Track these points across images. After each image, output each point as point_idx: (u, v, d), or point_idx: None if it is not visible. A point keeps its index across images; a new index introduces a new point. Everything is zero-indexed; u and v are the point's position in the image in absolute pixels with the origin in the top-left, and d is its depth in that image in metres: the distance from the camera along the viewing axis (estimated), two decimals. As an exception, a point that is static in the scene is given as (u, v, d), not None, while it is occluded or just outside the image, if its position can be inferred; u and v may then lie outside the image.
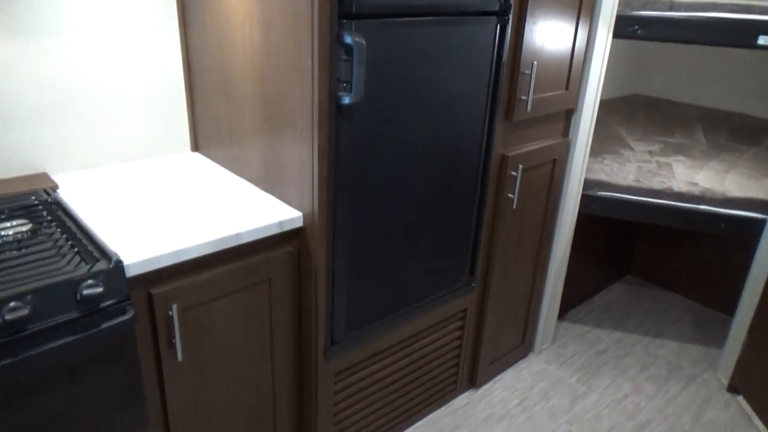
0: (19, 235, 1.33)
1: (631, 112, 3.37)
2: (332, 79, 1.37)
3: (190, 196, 1.60)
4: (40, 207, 1.44)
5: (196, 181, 1.71)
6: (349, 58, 1.36)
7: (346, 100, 1.39)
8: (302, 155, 1.46)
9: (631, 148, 2.77)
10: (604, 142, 2.83)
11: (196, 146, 1.97)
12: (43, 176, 1.66)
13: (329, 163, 1.45)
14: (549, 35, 1.87)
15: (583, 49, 2.03)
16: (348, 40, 1.33)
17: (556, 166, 2.17)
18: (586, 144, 2.24)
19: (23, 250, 1.26)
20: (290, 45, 1.39)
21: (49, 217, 1.40)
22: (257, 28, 1.49)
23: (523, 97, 1.87)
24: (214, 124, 1.82)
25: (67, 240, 1.30)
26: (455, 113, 1.69)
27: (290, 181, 1.54)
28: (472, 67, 1.68)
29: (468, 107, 1.72)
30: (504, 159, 1.95)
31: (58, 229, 1.35)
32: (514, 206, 2.02)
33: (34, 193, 1.54)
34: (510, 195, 2.01)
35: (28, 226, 1.37)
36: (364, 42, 1.34)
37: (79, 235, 1.34)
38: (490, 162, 1.88)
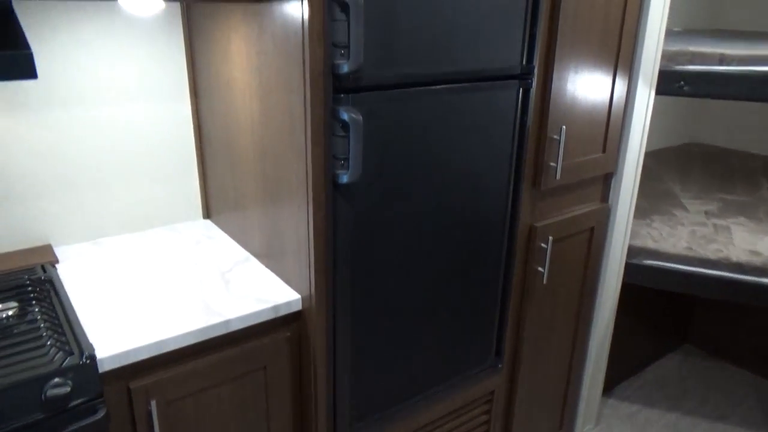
0: (3, 321, 1.27)
1: (686, 164, 3.13)
2: (327, 156, 1.27)
3: (188, 272, 1.52)
4: (30, 288, 1.39)
5: (198, 253, 1.63)
6: (346, 134, 1.25)
7: (344, 179, 1.28)
8: (299, 234, 1.36)
9: (684, 208, 2.53)
10: (654, 200, 2.61)
11: (208, 213, 1.90)
12: (47, 249, 1.62)
13: (326, 244, 1.33)
14: (581, 95, 1.71)
15: (622, 108, 1.86)
16: (344, 116, 1.23)
17: (594, 234, 1.98)
18: (628, 210, 2.04)
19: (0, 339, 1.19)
20: (285, 118, 1.31)
21: (37, 300, 1.34)
22: (256, 100, 1.42)
23: (552, 164, 1.71)
24: (223, 193, 1.75)
25: (48, 328, 1.23)
26: (474, 183, 1.56)
27: (289, 259, 1.43)
28: (492, 134, 1.54)
29: (489, 176, 1.58)
30: (532, 230, 1.78)
31: (43, 315, 1.28)
32: (545, 281, 1.84)
33: (31, 269, 1.50)
34: (540, 268, 1.83)
35: (14, 309, 1.31)
36: (360, 118, 1.23)
37: (62, 320, 1.27)
38: (515, 233, 1.72)
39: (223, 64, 1.54)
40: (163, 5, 1.63)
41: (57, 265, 1.56)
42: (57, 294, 1.39)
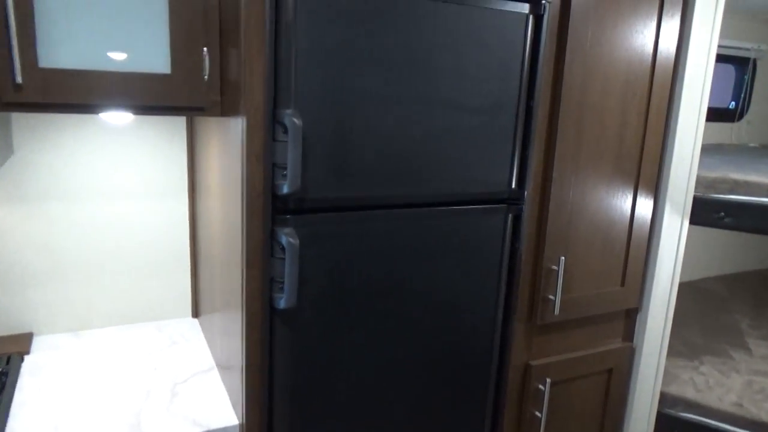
0: (-63, 415, 1.26)
1: (764, 294, 2.74)
2: (264, 278, 1.19)
3: (144, 379, 1.46)
4: (-21, 380, 1.38)
5: (167, 357, 1.58)
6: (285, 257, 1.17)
7: (281, 304, 1.18)
8: (238, 356, 1.26)
9: (746, 349, 2.17)
10: (711, 336, 2.27)
11: (196, 313, 1.86)
12: (25, 338, 1.63)
13: (260, 372, 1.23)
14: (589, 223, 1.54)
15: (645, 237, 1.65)
16: (281, 239, 1.15)
17: (613, 377, 1.72)
18: (658, 351, 1.77)
19: None
20: (232, 233, 1.25)
21: (-23, 395, 1.32)
22: (220, 207, 1.38)
23: (550, 297, 1.52)
24: (207, 294, 1.71)
25: (-32, 430, 1.20)
26: (454, 315, 1.40)
27: (234, 381, 1.33)
28: (476, 262, 1.40)
29: (472, 308, 1.42)
30: (528, 369, 1.57)
31: (-27, 414, 1.26)
32: (542, 429, 1.59)
33: (-5, 359, 1.51)
34: (537, 413, 1.60)
35: (-44, 403, 1.30)
36: (296, 242, 1.15)
37: (-11, 423, 1.24)
38: (506, 372, 1.52)
39: (207, 167, 1.54)
40: (132, 117, 1.66)
41: (26, 356, 1.57)
42: (3, 389, 1.37)
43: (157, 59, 1.24)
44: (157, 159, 1.71)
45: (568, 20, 1.37)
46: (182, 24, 1.22)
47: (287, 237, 1.14)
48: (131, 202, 1.71)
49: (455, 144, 1.31)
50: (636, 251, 1.65)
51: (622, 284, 1.66)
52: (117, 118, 1.62)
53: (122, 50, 1.21)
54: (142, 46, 1.22)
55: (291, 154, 1.10)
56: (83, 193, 1.64)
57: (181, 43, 1.23)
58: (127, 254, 1.74)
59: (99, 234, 1.69)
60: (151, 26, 1.22)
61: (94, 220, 1.68)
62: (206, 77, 1.27)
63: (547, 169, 1.46)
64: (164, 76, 1.24)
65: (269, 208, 1.16)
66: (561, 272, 1.49)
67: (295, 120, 1.09)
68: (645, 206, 1.62)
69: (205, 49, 1.26)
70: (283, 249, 1.17)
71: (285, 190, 1.13)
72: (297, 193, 1.15)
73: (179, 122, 1.73)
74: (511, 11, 1.30)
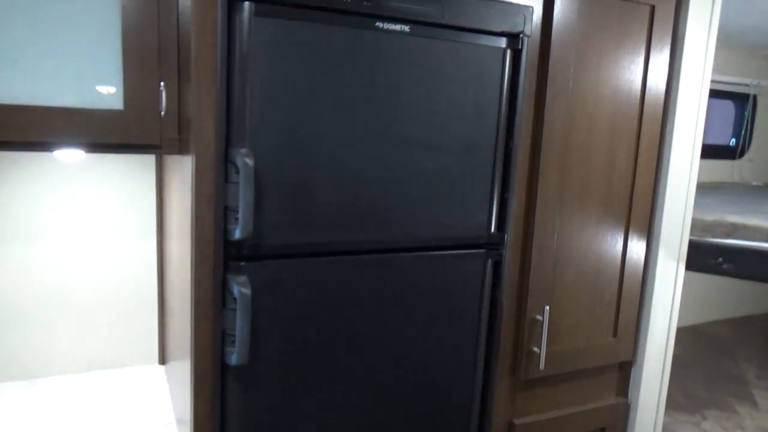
0: None
1: (770, 343, 2.60)
2: (215, 332, 1.09)
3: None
4: None
5: (118, 410, 1.47)
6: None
7: (232, 359, 1.08)
8: (188, 414, 1.16)
9: (753, 402, 2.03)
10: (715, 388, 2.13)
11: (163, 360, 1.76)
12: (-25, 386, 1.53)
13: (211, 434, 1.12)
14: (576, 269, 1.44)
15: (638, 285, 1.55)
16: (234, 289, 1.06)
17: (606, 436, 1.60)
18: (656, 407, 1.64)
19: None
20: (185, 280, 1.16)
21: None
22: (176, 248, 1.30)
23: (535, 350, 1.41)
24: (172, 340, 1.61)
25: None
26: (429, 369, 1.29)
27: (186, 441, 1.22)
28: (451, 311, 1.30)
29: (448, 362, 1.32)
30: (512, 428, 1.45)
31: None
32: (528, 494, 1.46)
33: (-63, 412, 1.40)
34: (523, 476, 1.47)
35: None
36: (248, 292, 1.05)
37: None
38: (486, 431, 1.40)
39: (170, 207, 1.46)
40: (84, 155, 1.58)
41: (-28, 408, 1.46)
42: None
43: (109, 95, 1.17)
44: (124, 197, 1.63)
45: (549, 55, 1.30)
46: (136, 58, 1.16)
47: (239, 286, 1.05)
48: (96, 242, 1.62)
49: (427, 186, 1.22)
50: (628, 300, 1.54)
51: (614, 335, 1.55)
52: (71, 156, 1.54)
53: (72, 85, 1.14)
54: (93, 81, 1.15)
55: (243, 197, 1.02)
56: (43, 234, 1.56)
57: (135, 78, 1.16)
58: (90, 297, 1.65)
59: (60, 276, 1.60)
60: (103, 60, 1.16)
61: (55, 263, 1.59)
62: (163, 113, 1.20)
63: (529, 212, 1.37)
64: (117, 112, 1.17)
65: (221, 255, 1.07)
66: (546, 323, 1.38)
67: (247, 160, 1.01)
68: (637, 251, 1.52)
69: (162, 84, 1.19)
70: (235, 299, 1.07)
71: (237, 235, 1.04)
72: (251, 238, 1.06)
73: (149, 158, 1.65)
74: (486, 45, 1.23)
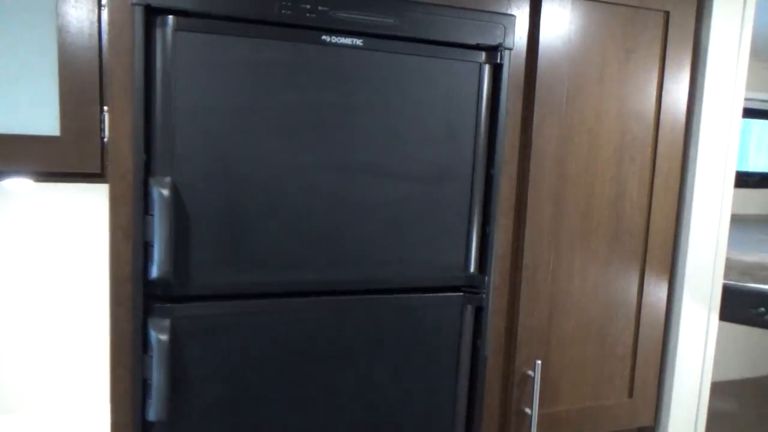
0: None
1: None
2: (135, 382, 0.97)
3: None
4: None
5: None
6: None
7: (150, 415, 0.96)
8: (114, 475, 1.04)
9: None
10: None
11: (142, 399, 1.65)
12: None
13: (130, 499, 0.99)
14: (580, 313, 1.24)
15: (659, 336, 1.32)
16: (151, 336, 0.94)
17: None
18: (686, 482, 1.39)
19: None
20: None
21: None
22: (125, 291, 1.20)
23: (526, 411, 1.21)
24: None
25: None
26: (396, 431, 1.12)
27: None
28: (423, 364, 1.13)
29: (420, 425, 1.14)
30: (501, 501, 1.24)
31: None
32: None
33: None
34: None
35: None
36: (166, 338, 0.93)
37: None
38: (469, 505, 1.20)
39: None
40: (34, 185, 1.51)
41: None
42: None
43: (45, 120, 1.10)
44: (77, 227, 1.55)
45: (536, 70, 1.13)
46: (73, 83, 1.08)
47: (156, 331, 0.93)
48: (48, 276, 1.54)
49: (389, 220, 1.07)
50: (646, 354, 1.31)
51: (630, 395, 1.32)
52: (20, 186, 1.46)
53: (7, 111, 1.08)
54: (29, 107, 1.09)
55: (158, 231, 0.91)
56: None
57: (72, 103, 1.09)
58: (40, 332, 1.56)
59: (7, 311, 1.53)
60: (39, 85, 1.09)
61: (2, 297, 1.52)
62: (106, 140, 1.12)
63: (517, 250, 1.19)
64: (53, 139, 1.10)
65: (140, 295, 0.95)
66: (537, 379, 1.18)
67: (163, 190, 0.90)
68: (656, 297, 1.30)
69: (105, 108, 1.11)
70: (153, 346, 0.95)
71: (154, 273, 0.93)
72: (174, 277, 0.95)
73: (104, 186, 1.56)
74: (460, 60, 1.08)
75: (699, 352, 1.35)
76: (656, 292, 1.30)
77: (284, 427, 1.04)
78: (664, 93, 1.24)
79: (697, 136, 1.28)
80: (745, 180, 2.95)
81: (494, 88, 1.12)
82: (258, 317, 1.01)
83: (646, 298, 1.29)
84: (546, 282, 1.20)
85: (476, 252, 1.14)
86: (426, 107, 1.07)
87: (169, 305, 0.96)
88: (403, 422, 1.13)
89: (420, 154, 1.08)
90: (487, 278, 1.15)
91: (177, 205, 0.94)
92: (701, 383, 1.37)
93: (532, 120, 1.14)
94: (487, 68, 1.10)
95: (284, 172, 1.00)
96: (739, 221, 2.19)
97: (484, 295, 1.15)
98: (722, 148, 1.30)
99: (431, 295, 1.12)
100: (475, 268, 1.15)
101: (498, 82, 1.11)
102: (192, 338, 0.98)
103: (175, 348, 0.96)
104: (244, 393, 1.02)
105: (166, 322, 0.95)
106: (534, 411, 1.19)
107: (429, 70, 1.06)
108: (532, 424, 1.19)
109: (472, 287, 1.15)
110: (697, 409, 1.38)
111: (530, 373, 1.20)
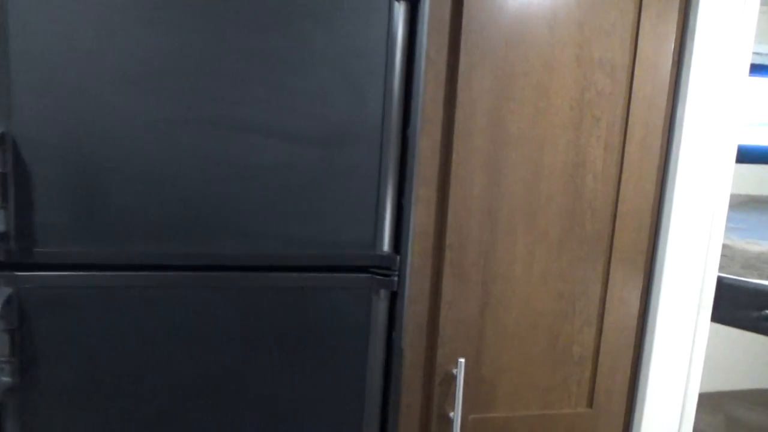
0: None
1: None
2: (-22, 357, 0.88)
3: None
4: None
5: None
6: (10, 328, 0.87)
7: (-8, 393, 0.87)
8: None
9: None
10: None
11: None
12: None
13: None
14: (521, 306, 1.04)
15: (630, 338, 1.09)
16: (-15, 303, 0.85)
17: None
18: None
19: None
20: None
21: None
22: None
23: (450, 414, 1.03)
24: None
25: None
26: None
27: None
28: (322, 358, 0.98)
29: (322, 425, 1.00)
30: None
31: None
32: None
33: None
34: None
35: None
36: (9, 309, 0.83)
37: None
38: None
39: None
40: None
41: None
42: None
43: None
44: None
45: (462, 7, 0.93)
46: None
47: (-10, 303, 0.83)
48: None
49: (274, 187, 0.92)
50: (612, 357, 1.09)
51: (590, 405, 1.11)
52: None
53: None
54: None
55: (-19, 189, 0.80)
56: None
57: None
58: None
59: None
60: None
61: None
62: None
63: (442, 228, 1.00)
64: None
65: (-22, 261, 0.86)
66: (460, 379, 1.00)
67: (-16, 143, 0.79)
68: (626, 290, 1.08)
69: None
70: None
71: (-9, 234, 0.83)
72: (12, 242, 0.84)
73: None
74: (363, -4, 0.90)
75: (683, 358, 1.11)
76: (626, 284, 1.07)
77: (147, 420, 0.93)
78: (641, 36, 1.00)
79: (686, 92, 1.02)
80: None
81: (411, 31, 0.93)
82: (116, 291, 0.90)
83: (612, 292, 1.07)
84: (477, 266, 1.01)
85: (390, 228, 0.97)
86: (320, 53, 0.90)
87: (11, 273, 0.86)
88: (299, 422, 0.99)
89: (313, 109, 0.91)
90: (400, 258, 0.98)
91: (16, 161, 0.84)
92: (685, 395, 1.13)
93: (458, 69, 0.94)
94: (402, 6, 0.91)
95: (144, 127, 0.86)
96: (752, 202, 1.83)
97: (396, 278, 0.98)
98: (720, 112, 1.04)
99: (327, 274, 0.96)
100: (389, 246, 0.97)
101: (415, 23, 0.92)
102: (41, 312, 0.88)
103: (21, 322, 0.86)
104: (102, 378, 0.91)
105: (8, 291, 0.85)
106: (456, 415, 1.01)
107: (324, 8, 0.89)
108: (455, 429, 1.01)
109: (384, 268, 0.98)
110: (680, 424, 1.14)
111: (453, 370, 1.02)
